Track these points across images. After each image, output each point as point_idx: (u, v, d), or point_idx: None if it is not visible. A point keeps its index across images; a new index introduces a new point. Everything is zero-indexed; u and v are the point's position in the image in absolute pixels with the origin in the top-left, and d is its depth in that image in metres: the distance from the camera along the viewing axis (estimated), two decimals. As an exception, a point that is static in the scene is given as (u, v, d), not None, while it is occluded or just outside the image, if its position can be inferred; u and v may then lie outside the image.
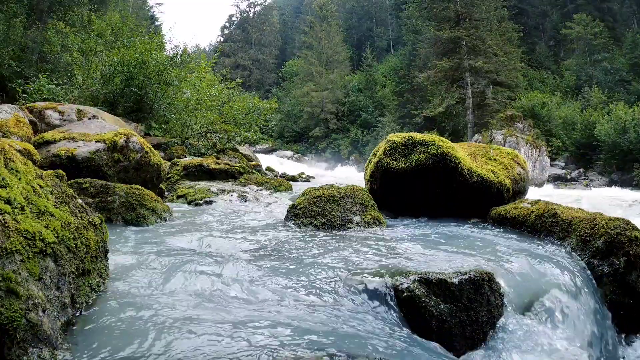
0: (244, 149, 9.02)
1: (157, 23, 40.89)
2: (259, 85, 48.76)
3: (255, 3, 55.59)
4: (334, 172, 22.88)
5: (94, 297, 1.38)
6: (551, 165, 22.08)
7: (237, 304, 1.43)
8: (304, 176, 11.08)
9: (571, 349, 1.64)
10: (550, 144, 23.17)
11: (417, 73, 29.92)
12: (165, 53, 10.27)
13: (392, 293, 1.57)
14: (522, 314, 1.72)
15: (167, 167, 4.97)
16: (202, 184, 4.51)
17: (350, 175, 17.02)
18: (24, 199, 1.21)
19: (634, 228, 2.14)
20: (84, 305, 1.31)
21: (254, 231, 2.59)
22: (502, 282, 1.74)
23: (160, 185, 4.17)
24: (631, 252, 2.04)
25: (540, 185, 18.12)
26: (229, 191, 4.12)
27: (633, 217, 2.65)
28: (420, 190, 3.28)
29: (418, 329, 1.50)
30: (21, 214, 1.16)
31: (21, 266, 1.06)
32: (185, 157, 6.71)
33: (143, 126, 8.14)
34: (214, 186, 4.38)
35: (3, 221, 1.08)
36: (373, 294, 1.57)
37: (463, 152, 3.38)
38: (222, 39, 55.98)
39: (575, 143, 23.31)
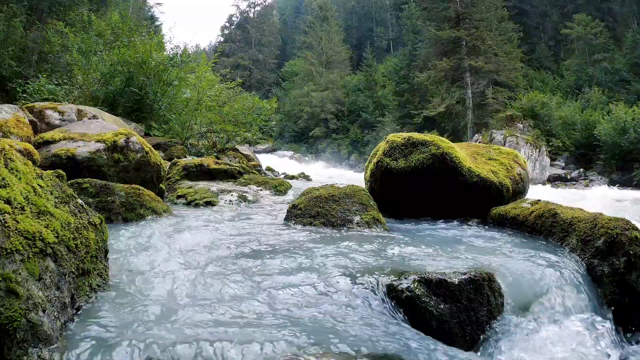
0: (244, 149, 9.02)
1: (157, 23, 40.77)
2: (259, 85, 48.73)
3: (255, 3, 55.62)
4: (334, 172, 22.86)
5: (94, 297, 1.38)
6: (551, 165, 22.07)
7: (237, 302, 1.43)
8: (304, 176, 11.07)
9: (571, 349, 1.64)
10: (550, 144, 23.16)
11: (417, 73, 29.94)
12: (165, 53, 10.25)
13: (392, 293, 1.57)
14: (522, 314, 1.72)
15: (167, 167, 4.96)
16: (202, 184, 4.50)
17: (349, 176, 17.02)
18: (24, 199, 1.21)
19: (634, 228, 2.14)
20: (84, 305, 1.31)
21: (254, 231, 2.59)
22: (501, 282, 1.74)
23: (160, 185, 4.17)
24: (631, 252, 2.04)
25: (541, 184, 18.10)
26: (229, 191, 4.12)
27: None
28: (420, 191, 3.28)
29: (418, 328, 1.49)
30: (21, 214, 1.16)
31: (21, 266, 1.06)
32: (185, 157, 6.70)
33: (143, 126, 8.12)
34: (214, 186, 4.38)
35: (3, 221, 1.08)
36: (373, 294, 1.57)
37: (463, 152, 3.38)
38: (222, 39, 55.99)
39: (575, 143, 23.30)
